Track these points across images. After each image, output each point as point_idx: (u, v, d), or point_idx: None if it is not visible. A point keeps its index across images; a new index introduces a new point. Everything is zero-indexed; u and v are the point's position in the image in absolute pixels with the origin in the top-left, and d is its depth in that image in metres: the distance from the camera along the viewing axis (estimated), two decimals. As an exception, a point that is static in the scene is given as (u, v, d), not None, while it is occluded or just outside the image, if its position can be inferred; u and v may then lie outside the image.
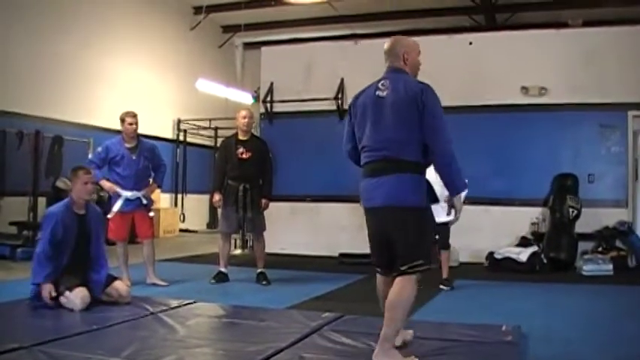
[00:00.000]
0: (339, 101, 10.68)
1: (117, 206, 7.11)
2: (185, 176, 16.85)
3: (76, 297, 5.37)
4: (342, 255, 10.03)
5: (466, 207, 7.54)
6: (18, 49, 11.57)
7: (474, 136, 9.72)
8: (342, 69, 10.83)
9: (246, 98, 14.54)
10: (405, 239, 3.90)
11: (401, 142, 3.91)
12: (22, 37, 11.67)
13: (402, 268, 3.87)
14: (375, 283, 4.25)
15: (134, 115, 7.24)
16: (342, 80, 10.74)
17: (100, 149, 7.28)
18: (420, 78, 4.10)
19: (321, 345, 4.35)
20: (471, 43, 10.42)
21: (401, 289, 3.84)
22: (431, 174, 7.81)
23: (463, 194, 7.05)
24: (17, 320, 5.07)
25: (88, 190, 5.75)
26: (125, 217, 7.18)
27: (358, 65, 10.52)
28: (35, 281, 5.49)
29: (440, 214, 7.20)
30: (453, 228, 7.37)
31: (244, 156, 7.53)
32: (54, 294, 5.43)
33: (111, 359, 3.85)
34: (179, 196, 16.71)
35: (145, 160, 7.29)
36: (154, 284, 7.22)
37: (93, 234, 5.81)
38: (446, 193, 6.40)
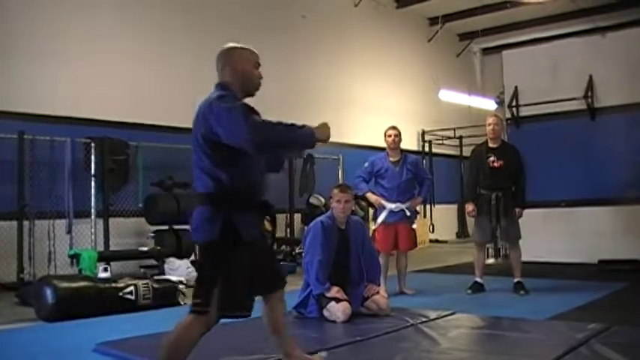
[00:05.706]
0: (590, 100, 10.11)
1: (381, 217, 7.37)
2: (433, 187, 16.90)
3: (338, 310, 5.55)
4: (602, 262, 9.46)
5: None
6: (272, 80, 12.37)
7: None
8: (590, 65, 10.22)
9: (489, 104, 14.34)
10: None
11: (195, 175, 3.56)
12: (274, 69, 12.47)
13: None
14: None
15: (393, 128, 7.54)
16: (591, 77, 10.14)
17: (366, 164, 7.59)
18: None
19: (589, 358, 4.15)
20: None
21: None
22: None
23: None
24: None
25: (337, 208, 5.86)
26: (389, 228, 7.36)
27: (608, 60, 9.99)
28: (318, 291, 5.65)
29: None
30: None
31: (495, 164, 7.41)
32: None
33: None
34: (428, 206, 16.86)
35: (409, 172, 7.44)
36: (402, 292, 7.41)
37: (352, 249, 5.95)
38: None
